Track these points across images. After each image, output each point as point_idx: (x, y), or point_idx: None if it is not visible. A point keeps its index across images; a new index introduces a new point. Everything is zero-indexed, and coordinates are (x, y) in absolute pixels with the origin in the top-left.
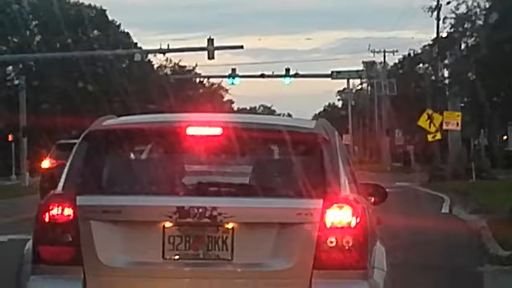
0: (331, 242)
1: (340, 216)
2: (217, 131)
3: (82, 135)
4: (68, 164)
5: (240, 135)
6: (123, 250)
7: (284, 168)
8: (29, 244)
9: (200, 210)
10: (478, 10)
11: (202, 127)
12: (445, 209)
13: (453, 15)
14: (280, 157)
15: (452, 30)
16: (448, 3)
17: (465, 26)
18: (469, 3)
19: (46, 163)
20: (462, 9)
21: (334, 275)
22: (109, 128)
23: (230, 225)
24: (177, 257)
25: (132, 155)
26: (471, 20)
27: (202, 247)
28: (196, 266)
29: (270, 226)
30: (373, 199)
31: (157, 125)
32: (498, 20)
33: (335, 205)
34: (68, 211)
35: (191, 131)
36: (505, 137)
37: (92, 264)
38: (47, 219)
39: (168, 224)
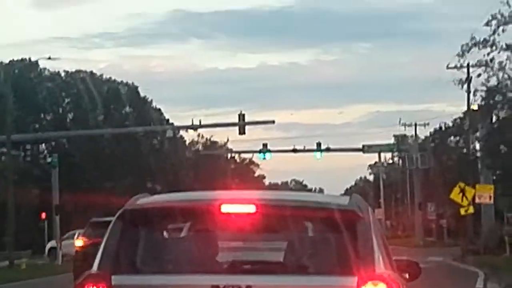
0: None
1: None
2: (251, 208)
3: (116, 214)
4: (103, 243)
5: (274, 213)
6: None
7: (318, 245)
8: None
9: None
10: (509, 82)
11: (236, 205)
12: (479, 284)
13: (484, 88)
14: (314, 234)
15: (483, 102)
16: (479, 75)
17: (496, 98)
18: (500, 76)
19: (79, 242)
20: (493, 81)
21: None
22: (143, 207)
23: None
24: None
25: (166, 234)
26: (502, 92)
27: None
28: None
29: None
30: (407, 275)
31: (191, 204)
32: None
33: (369, 282)
34: None
35: (225, 209)
36: None
37: None
38: None
39: None
